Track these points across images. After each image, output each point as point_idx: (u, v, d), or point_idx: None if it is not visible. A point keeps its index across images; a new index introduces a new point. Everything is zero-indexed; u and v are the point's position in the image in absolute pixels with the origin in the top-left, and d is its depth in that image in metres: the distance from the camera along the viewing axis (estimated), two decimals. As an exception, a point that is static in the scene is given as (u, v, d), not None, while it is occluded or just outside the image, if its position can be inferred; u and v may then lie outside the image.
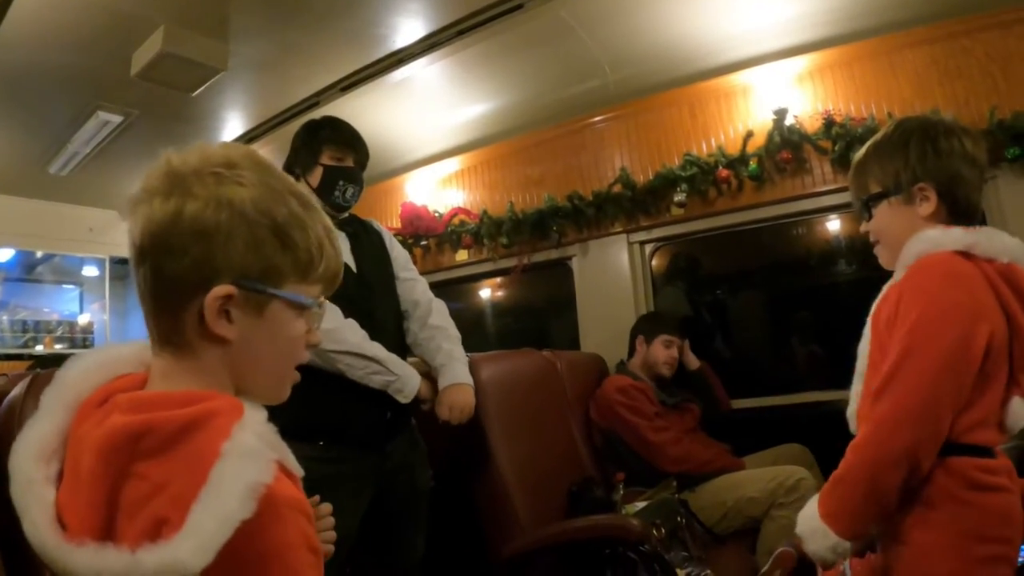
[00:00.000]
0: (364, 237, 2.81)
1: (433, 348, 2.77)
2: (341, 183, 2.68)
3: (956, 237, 1.64)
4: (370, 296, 2.66)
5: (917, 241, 1.69)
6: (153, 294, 0.99)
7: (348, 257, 2.66)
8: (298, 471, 1.00)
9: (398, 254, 2.95)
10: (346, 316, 2.48)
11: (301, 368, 1.13)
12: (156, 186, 0.98)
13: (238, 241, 0.97)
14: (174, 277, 0.97)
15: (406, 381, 2.51)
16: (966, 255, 1.63)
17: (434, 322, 2.83)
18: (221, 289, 0.96)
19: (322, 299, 1.11)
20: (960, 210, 1.74)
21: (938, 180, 1.72)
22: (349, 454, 2.44)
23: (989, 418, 1.61)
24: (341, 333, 2.39)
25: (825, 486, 1.69)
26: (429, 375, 2.71)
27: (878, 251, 1.88)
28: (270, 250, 1.00)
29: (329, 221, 1.10)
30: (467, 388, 2.70)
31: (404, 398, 2.50)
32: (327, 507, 1.34)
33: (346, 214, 2.79)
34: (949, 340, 1.55)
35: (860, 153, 1.90)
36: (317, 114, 4.43)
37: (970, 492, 1.55)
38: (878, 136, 1.87)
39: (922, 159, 1.74)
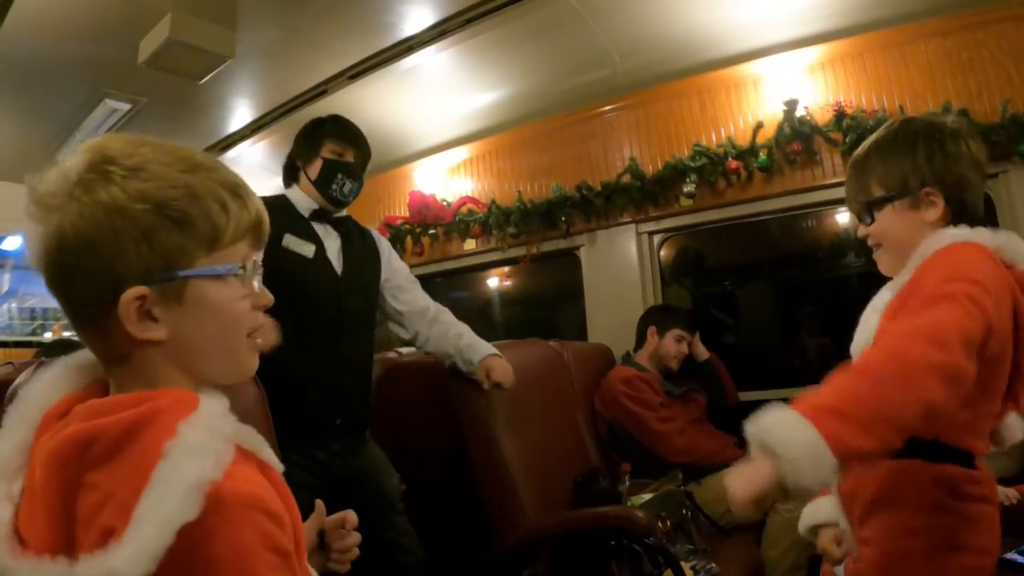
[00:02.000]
0: (358, 242, 2.83)
1: (452, 335, 2.80)
2: (339, 176, 2.69)
3: (985, 235, 1.57)
4: (345, 297, 2.66)
5: (937, 238, 1.59)
6: (73, 319, 0.95)
7: (335, 255, 2.70)
8: (277, 465, 0.98)
9: (399, 266, 2.96)
10: (311, 311, 2.52)
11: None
12: (32, 213, 0.92)
13: (127, 240, 0.91)
14: (82, 299, 0.93)
15: None
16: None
17: (444, 318, 2.86)
18: (129, 294, 0.91)
19: (253, 257, 1.05)
20: (966, 215, 1.67)
21: (945, 184, 1.65)
22: (290, 447, 2.43)
23: (981, 425, 1.56)
24: None
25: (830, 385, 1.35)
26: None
27: (878, 255, 1.79)
28: (164, 235, 0.93)
29: (230, 174, 1.02)
30: (503, 357, 2.74)
31: None
32: (352, 519, 1.35)
33: (343, 211, 2.81)
34: (979, 294, 1.40)
35: (860, 152, 1.81)
36: (325, 102, 4.45)
37: (954, 501, 1.52)
38: (879, 135, 1.78)
39: (930, 161, 1.66)
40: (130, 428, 0.85)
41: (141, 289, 0.91)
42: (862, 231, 1.80)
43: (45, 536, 0.84)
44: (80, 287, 0.92)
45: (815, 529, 1.88)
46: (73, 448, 0.84)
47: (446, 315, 2.88)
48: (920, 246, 1.61)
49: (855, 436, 1.23)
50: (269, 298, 1.08)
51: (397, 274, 2.91)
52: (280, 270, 2.49)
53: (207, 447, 0.85)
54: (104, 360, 0.97)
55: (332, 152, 2.71)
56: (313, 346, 2.52)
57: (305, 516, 1.87)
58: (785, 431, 1.26)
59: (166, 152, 0.97)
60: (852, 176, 1.82)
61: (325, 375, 2.56)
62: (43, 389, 0.97)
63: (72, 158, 0.94)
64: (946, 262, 1.50)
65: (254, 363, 1.08)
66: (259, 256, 1.08)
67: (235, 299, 1.01)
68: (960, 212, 1.66)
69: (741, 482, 1.34)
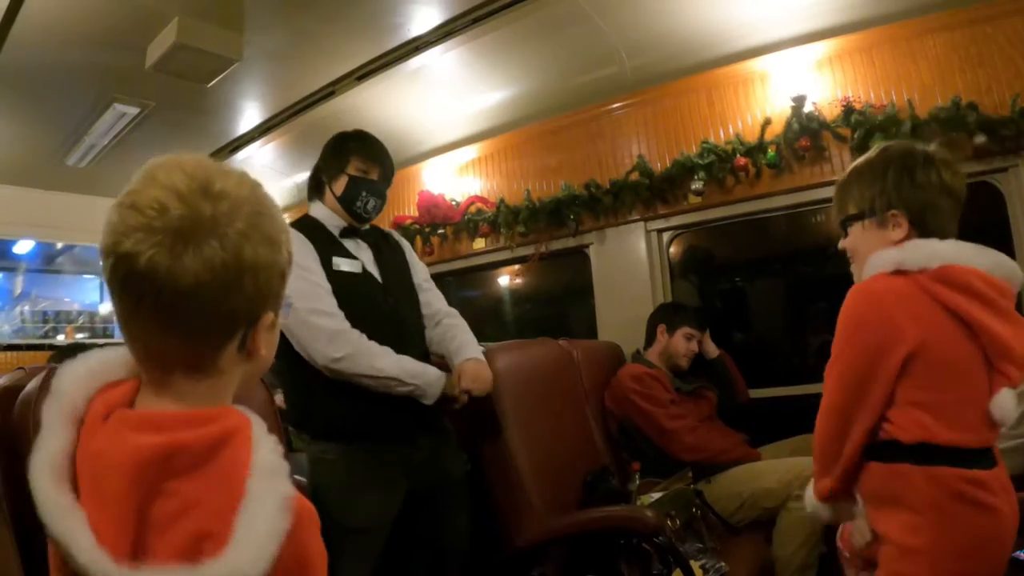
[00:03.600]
0: (385, 248, 2.87)
1: (448, 336, 2.81)
2: (364, 194, 2.72)
3: (886, 259, 1.78)
4: (396, 305, 2.71)
5: (867, 266, 1.84)
6: (192, 327, 0.97)
7: (372, 267, 2.74)
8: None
9: (420, 267, 3.01)
10: (377, 326, 2.55)
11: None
12: (198, 229, 0.94)
13: (275, 273, 1.03)
14: (229, 312, 0.99)
15: (426, 387, 2.53)
16: (900, 272, 1.76)
17: (449, 321, 2.88)
18: (269, 317, 1.04)
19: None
20: (930, 235, 1.81)
21: (910, 208, 1.82)
22: (377, 452, 2.50)
23: (964, 417, 1.68)
24: (356, 359, 2.44)
25: None
26: (445, 365, 2.72)
27: (853, 268, 2.00)
28: (286, 273, 1.07)
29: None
30: (483, 362, 2.74)
31: (429, 401, 2.54)
32: None
33: (367, 225, 2.83)
34: (857, 351, 1.78)
35: (844, 175, 2.00)
36: (333, 103, 4.46)
37: (954, 503, 1.61)
38: (860, 161, 1.96)
39: (898, 187, 1.84)
40: (213, 445, 0.94)
41: (273, 314, 1.06)
42: (840, 245, 2.02)
43: (115, 537, 0.88)
44: (235, 302, 0.98)
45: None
46: (156, 459, 0.90)
47: (451, 318, 2.89)
48: (864, 268, 1.87)
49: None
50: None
51: (417, 274, 2.94)
52: (337, 292, 2.54)
53: (282, 467, 0.97)
54: (182, 366, 1.00)
55: (358, 169, 2.74)
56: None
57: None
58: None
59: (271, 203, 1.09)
60: (836, 196, 2.02)
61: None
62: (74, 385, 1.00)
63: (239, 185, 1.02)
64: (842, 315, 1.85)
65: None
66: None
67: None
68: (924, 234, 1.82)
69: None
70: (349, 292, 2.56)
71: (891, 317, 1.72)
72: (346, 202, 2.71)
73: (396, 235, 3.04)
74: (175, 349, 0.98)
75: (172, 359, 0.99)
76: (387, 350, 2.49)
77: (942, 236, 1.80)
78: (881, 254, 1.79)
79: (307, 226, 2.68)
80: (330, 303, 2.48)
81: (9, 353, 6.30)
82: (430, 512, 2.67)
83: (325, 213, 2.75)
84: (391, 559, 2.54)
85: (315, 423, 2.52)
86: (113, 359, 1.05)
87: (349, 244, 2.72)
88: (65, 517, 0.89)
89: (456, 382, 2.62)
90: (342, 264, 2.63)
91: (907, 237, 1.82)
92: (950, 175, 1.83)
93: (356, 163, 2.74)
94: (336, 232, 2.72)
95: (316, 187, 2.83)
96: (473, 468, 2.90)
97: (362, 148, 2.80)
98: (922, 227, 1.82)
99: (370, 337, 2.50)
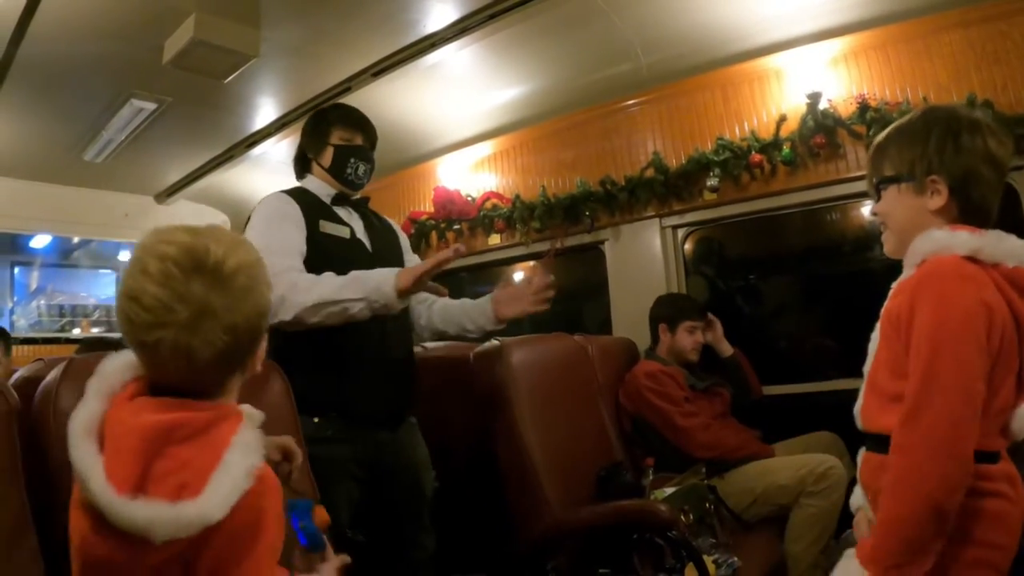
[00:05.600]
0: (376, 221, 2.90)
1: (450, 305, 2.86)
2: (352, 161, 2.75)
3: (962, 240, 1.61)
4: (378, 264, 2.62)
5: (924, 240, 1.66)
6: (207, 378, 1.31)
7: (362, 235, 2.76)
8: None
9: (412, 258, 3.00)
10: None
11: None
12: (193, 320, 1.23)
13: (263, 315, 1.35)
14: (233, 361, 1.33)
15: (379, 294, 2.34)
16: (972, 259, 1.59)
17: (443, 300, 2.85)
18: (261, 343, 1.39)
19: None
20: (972, 209, 1.69)
21: (952, 175, 1.68)
22: (342, 435, 2.47)
23: (994, 424, 1.58)
24: (292, 299, 2.32)
25: (870, 542, 1.58)
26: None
27: (885, 237, 1.85)
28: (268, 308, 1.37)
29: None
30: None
31: (395, 308, 2.39)
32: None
33: (358, 194, 2.86)
34: (971, 356, 1.52)
35: (881, 135, 1.86)
36: (349, 99, 4.47)
37: (966, 496, 1.51)
38: (902, 121, 1.82)
39: (940, 151, 1.69)
40: (207, 424, 1.25)
41: (262, 341, 1.40)
42: (872, 209, 1.87)
43: (125, 482, 1.16)
44: (246, 345, 1.33)
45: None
46: (161, 429, 1.21)
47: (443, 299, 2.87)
48: (912, 244, 1.68)
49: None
50: None
51: (408, 262, 2.94)
52: (323, 254, 2.54)
53: (257, 446, 1.28)
54: (204, 395, 1.31)
55: (341, 139, 2.77)
56: (362, 329, 2.50)
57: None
58: None
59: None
60: (871, 156, 1.87)
61: (377, 356, 2.59)
62: (116, 372, 1.31)
63: (232, 253, 1.30)
64: (931, 301, 1.57)
65: None
66: None
67: None
68: (966, 206, 1.69)
69: None
70: (334, 255, 2.54)
71: (992, 305, 1.55)
72: (336, 171, 2.74)
73: (390, 221, 3.05)
74: (193, 385, 1.30)
75: (190, 390, 1.30)
76: (324, 276, 2.39)
77: (985, 210, 1.69)
78: (957, 234, 1.62)
79: (298, 195, 2.68)
80: (282, 259, 2.38)
81: (26, 347, 6.35)
82: (393, 526, 2.67)
83: (316, 184, 2.77)
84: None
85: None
86: (137, 363, 1.34)
87: (340, 211, 2.74)
88: (87, 459, 1.19)
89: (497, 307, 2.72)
90: (328, 228, 2.63)
91: (946, 207, 1.68)
92: (996, 143, 1.69)
93: (339, 133, 2.77)
94: (327, 200, 2.73)
95: (302, 164, 2.86)
96: (486, 461, 2.92)
97: (342, 117, 2.83)
98: (963, 197, 1.68)
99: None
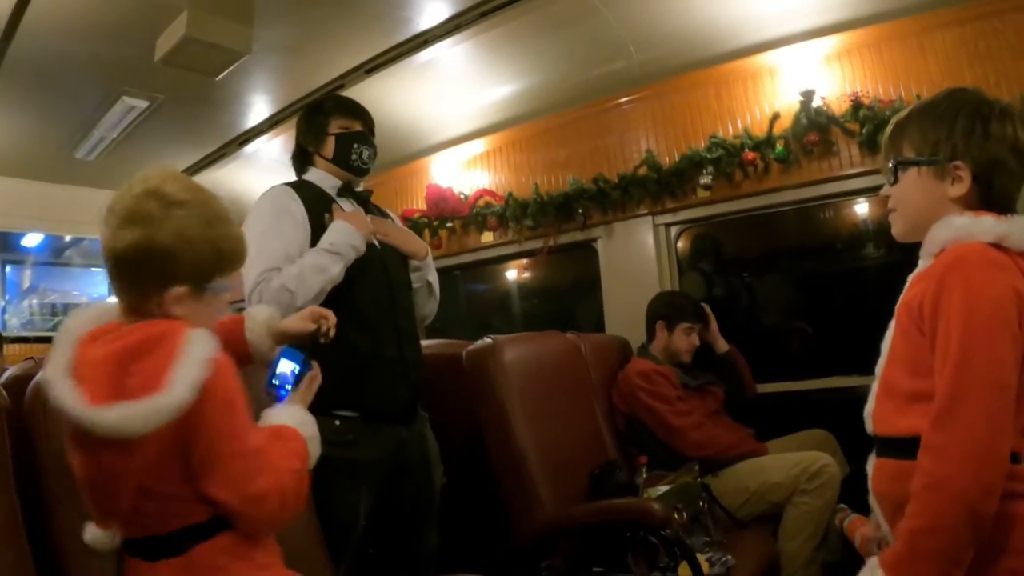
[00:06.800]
0: (377, 214, 2.89)
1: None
2: (356, 146, 2.75)
3: (988, 226, 1.51)
4: (390, 263, 2.73)
5: (944, 227, 1.56)
6: (127, 288, 1.47)
7: None
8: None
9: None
10: (366, 281, 2.57)
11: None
12: (130, 216, 1.43)
13: (187, 259, 1.45)
14: (145, 281, 1.45)
15: (343, 244, 2.49)
16: (997, 247, 1.49)
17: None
18: (177, 290, 1.45)
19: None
20: (994, 199, 1.59)
21: (978, 162, 1.57)
22: (365, 438, 2.47)
23: (1021, 421, 1.43)
24: (274, 281, 2.41)
25: (896, 552, 1.47)
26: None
27: (893, 219, 1.75)
28: (208, 261, 1.49)
29: (235, 230, 1.57)
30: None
31: (360, 250, 2.53)
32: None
33: (362, 182, 2.88)
34: (1004, 347, 1.41)
35: (902, 114, 1.73)
36: (342, 97, 4.45)
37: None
38: (926, 100, 1.71)
39: (967, 136, 1.58)
40: (159, 336, 1.38)
41: (185, 288, 1.47)
42: (884, 191, 1.75)
43: (98, 399, 1.29)
44: (147, 274, 1.45)
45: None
46: (122, 352, 1.35)
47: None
48: (931, 231, 1.59)
49: None
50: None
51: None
52: None
53: (208, 339, 1.41)
54: (128, 311, 1.48)
55: (341, 127, 2.76)
56: (372, 323, 2.56)
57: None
58: None
59: (214, 207, 1.55)
60: (889, 135, 1.75)
61: (387, 350, 2.60)
62: (79, 324, 1.44)
63: (166, 184, 1.49)
64: (960, 289, 1.46)
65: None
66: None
67: (222, 302, 1.62)
68: (988, 195, 1.60)
69: None
70: None
71: (1022, 296, 1.45)
72: (341, 159, 2.74)
73: (394, 216, 3.07)
74: (123, 298, 1.49)
75: (144, 310, 1.47)
76: (304, 264, 2.45)
77: (1006, 202, 1.59)
78: (981, 220, 1.53)
79: (300, 187, 2.68)
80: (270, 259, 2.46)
81: (18, 345, 6.32)
82: (402, 519, 2.68)
83: (320, 176, 2.77)
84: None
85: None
86: (105, 309, 1.50)
87: (345, 204, 2.73)
88: (61, 386, 1.31)
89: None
90: (331, 219, 2.63)
91: (966, 196, 1.58)
92: None
93: (338, 121, 2.77)
94: (332, 192, 2.73)
95: (302, 159, 2.85)
96: (479, 460, 2.91)
97: (339, 106, 2.84)
98: (986, 187, 1.58)
99: (360, 293, 2.53)
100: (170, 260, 1.43)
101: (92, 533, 1.45)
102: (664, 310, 3.85)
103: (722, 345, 3.92)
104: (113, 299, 1.53)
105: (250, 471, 1.44)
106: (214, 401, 1.37)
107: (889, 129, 1.75)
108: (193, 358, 1.35)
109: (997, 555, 1.42)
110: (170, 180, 1.50)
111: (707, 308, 3.97)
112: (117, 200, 1.46)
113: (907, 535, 1.44)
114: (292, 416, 1.65)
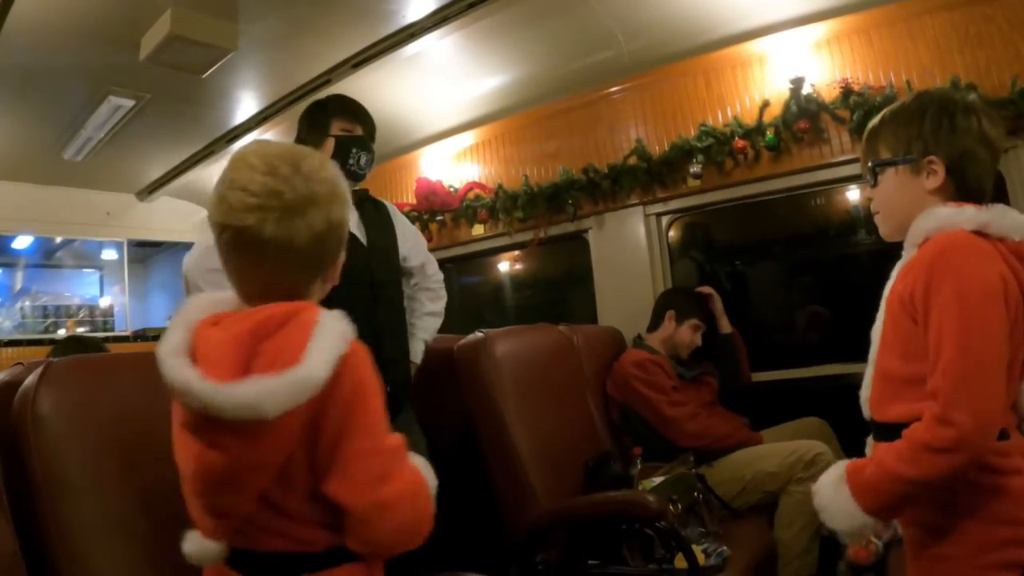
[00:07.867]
0: (372, 212, 2.92)
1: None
2: (354, 151, 2.78)
3: (970, 215, 1.61)
4: (375, 263, 2.76)
5: (927, 218, 1.66)
6: (302, 251, 1.33)
7: (357, 229, 2.77)
8: None
9: (410, 233, 3.11)
10: (350, 283, 2.52)
11: None
12: (300, 201, 1.32)
13: (344, 226, 1.43)
14: (321, 259, 1.40)
15: None
16: (980, 234, 1.60)
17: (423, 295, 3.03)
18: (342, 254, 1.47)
19: None
20: (968, 189, 1.70)
21: (949, 156, 1.68)
22: None
23: (1008, 399, 1.56)
24: None
25: (869, 481, 1.60)
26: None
27: (878, 221, 1.86)
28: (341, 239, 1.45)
29: None
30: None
31: None
32: None
33: (359, 185, 2.89)
34: (998, 327, 1.52)
35: (875, 119, 1.86)
36: (329, 91, 4.42)
37: (984, 476, 1.52)
38: (895, 105, 1.83)
39: (936, 132, 1.70)
40: (289, 314, 1.28)
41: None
42: (866, 195, 1.89)
43: (227, 376, 1.19)
44: (316, 254, 1.38)
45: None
46: (249, 332, 1.25)
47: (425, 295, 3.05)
48: (915, 222, 1.68)
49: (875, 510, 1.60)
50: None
51: (405, 245, 3.02)
52: None
53: (344, 318, 1.33)
54: (290, 296, 1.36)
55: (342, 129, 2.79)
56: (352, 320, 2.52)
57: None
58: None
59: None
60: (866, 141, 1.87)
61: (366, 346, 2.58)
62: (198, 309, 1.35)
63: (322, 168, 1.39)
64: (951, 276, 1.55)
65: None
66: None
67: None
68: (962, 186, 1.70)
69: None
70: None
71: (1007, 279, 1.56)
72: (338, 163, 2.70)
73: (392, 207, 3.10)
74: (285, 285, 1.36)
75: (277, 293, 1.35)
76: None
77: (980, 190, 1.70)
78: (963, 210, 1.63)
79: None
80: None
81: (10, 349, 6.29)
82: None
83: None
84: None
85: None
86: (223, 299, 1.40)
87: None
88: (183, 368, 1.21)
89: None
90: None
91: (942, 187, 1.69)
92: (989, 124, 1.71)
93: (339, 124, 2.79)
94: None
95: None
96: (472, 454, 2.90)
97: (342, 108, 2.85)
98: (960, 177, 1.69)
99: (345, 297, 2.49)
100: (339, 238, 1.43)
101: (196, 543, 1.33)
102: (679, 300, 3.86)
103: (726, 326, 3.92)
104: (227, 292, 1.41)
105: (386, 472, 1.32)
106: (352, 385, 1.28)
107: (865, 136, 1.88)
108: (332, 330, 1.27)
109: (990, 526, 1.52)
110: (303, 156, 1.38)
111: (710, 289, 3.96)
112: (264, 184, 1.30)
113: (888, 475, 1.56)
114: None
